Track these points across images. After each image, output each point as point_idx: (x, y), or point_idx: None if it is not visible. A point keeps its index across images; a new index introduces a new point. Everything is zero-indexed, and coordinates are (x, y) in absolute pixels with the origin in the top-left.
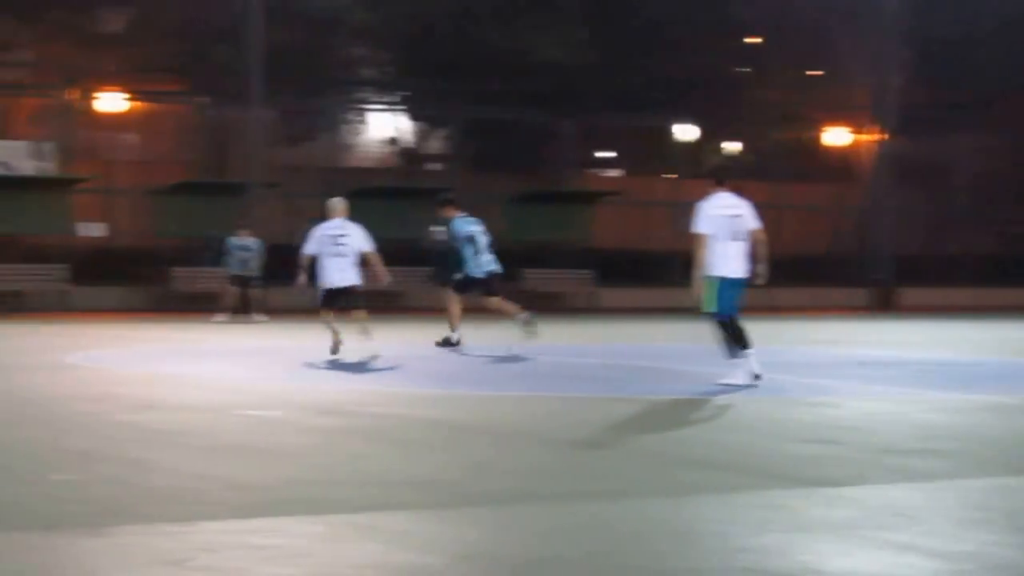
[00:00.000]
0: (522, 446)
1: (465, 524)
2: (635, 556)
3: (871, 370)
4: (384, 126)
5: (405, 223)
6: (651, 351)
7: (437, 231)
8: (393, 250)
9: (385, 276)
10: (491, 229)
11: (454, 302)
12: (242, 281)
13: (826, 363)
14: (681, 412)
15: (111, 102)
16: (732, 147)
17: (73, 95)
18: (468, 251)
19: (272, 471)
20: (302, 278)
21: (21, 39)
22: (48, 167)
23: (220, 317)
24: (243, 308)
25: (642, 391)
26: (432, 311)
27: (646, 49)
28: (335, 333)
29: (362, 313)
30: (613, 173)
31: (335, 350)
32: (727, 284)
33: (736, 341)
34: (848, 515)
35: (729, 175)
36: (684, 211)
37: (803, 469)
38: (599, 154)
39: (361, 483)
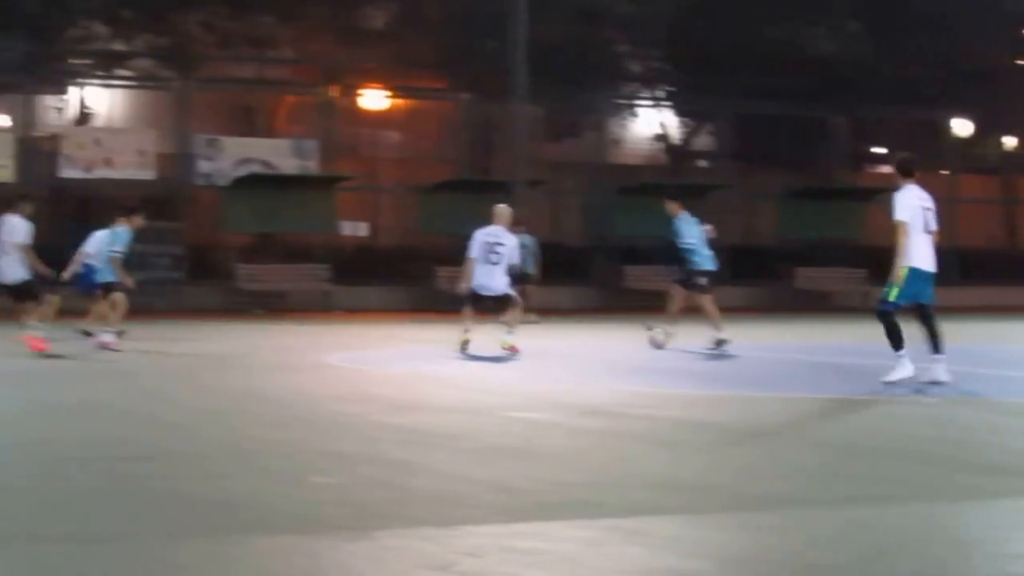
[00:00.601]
0: (790, 448)
1: (734, 529)
2: (908, 561)
3: None
4: (650, 122)
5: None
6: (921, 351)
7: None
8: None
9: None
10: (763, 226)
11: (708, 302)
12: (518, 279)
13: None
14: (954, 413)
15: (373, 99)
16: (1009, 142)
17: (335, 92)
18: (694, 249)
19: (538, 474)
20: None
21: (283, 36)
22: (310, 165)
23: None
24: None
25: (911, 391)
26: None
27: (920, 42)
28: (466, 332)
29: (512, 314)
30: (886, 169)
31: (463, 348)
32: (915, 275)
33: (896, 338)
34: None
35: (917, 167)
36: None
37: None
38: (872, 149)
39: (628, 486)
